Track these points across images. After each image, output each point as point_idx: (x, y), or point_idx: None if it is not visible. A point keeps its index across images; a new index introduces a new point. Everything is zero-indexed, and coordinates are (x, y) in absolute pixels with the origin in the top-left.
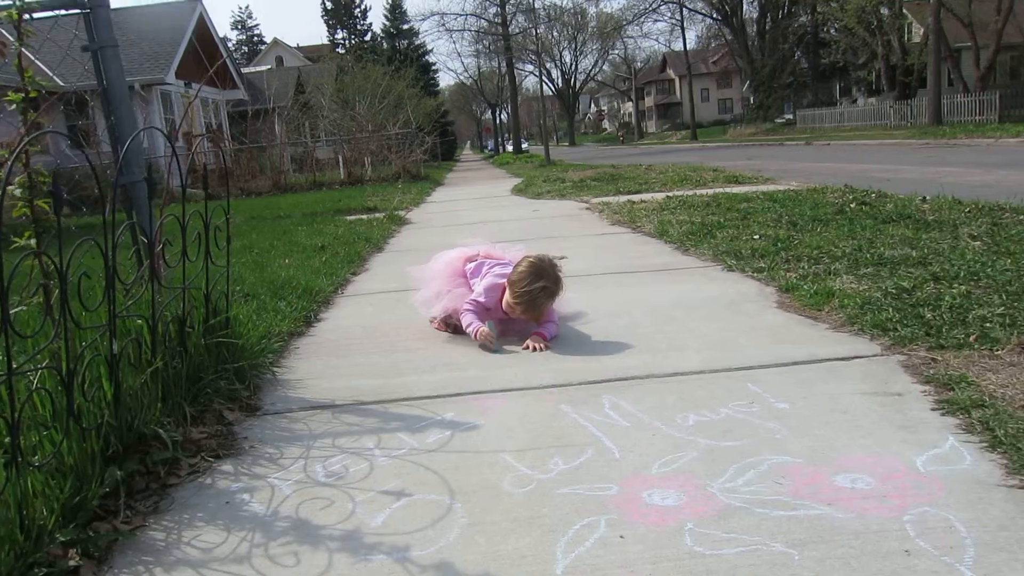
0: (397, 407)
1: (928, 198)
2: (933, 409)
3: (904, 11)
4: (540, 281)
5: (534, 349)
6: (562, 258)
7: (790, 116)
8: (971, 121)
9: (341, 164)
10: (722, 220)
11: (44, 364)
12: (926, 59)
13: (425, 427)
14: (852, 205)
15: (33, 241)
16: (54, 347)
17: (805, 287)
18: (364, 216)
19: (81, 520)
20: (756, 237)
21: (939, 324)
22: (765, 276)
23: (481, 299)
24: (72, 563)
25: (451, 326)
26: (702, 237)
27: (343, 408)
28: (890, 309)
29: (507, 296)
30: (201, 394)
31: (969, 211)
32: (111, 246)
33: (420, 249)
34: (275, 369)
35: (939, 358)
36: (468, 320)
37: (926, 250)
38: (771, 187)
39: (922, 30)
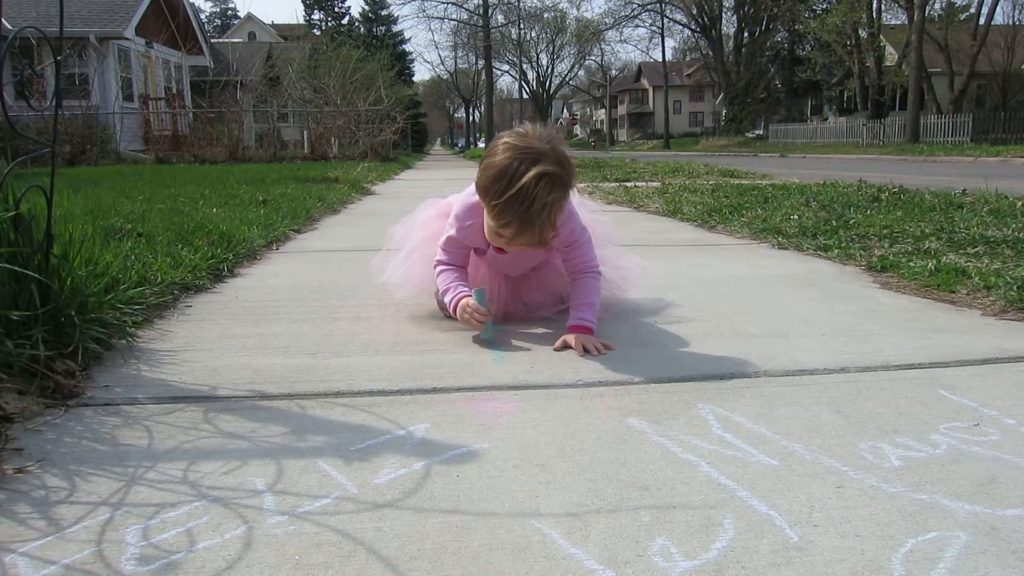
0: (325, 407)
1: (967, 190)
2: None
3: (880, 36)
4: (533, 168)
5: (587, 352)
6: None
7: (760, 131)
8: (945, 142)
9: (305, 140)
10: (740, 202)
11: None
12: (900, 80)
13: (372, 450)
14: (885, 195)
15: None
16: None
17: (912, 265)
18: (323, 185)
19: None
20: (795, 217)
21: None
22: (838, 254)
23: (452, 232)
24: None
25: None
26: (726, 216)
27: (227, 403)
28: None
29: (486, 217)
30: None
31: None
32: None
33: (387, 214)
34: (135, 332)
35: None
36: (443, 283)
37: None
38: (773, 182)
39: (895, 55)
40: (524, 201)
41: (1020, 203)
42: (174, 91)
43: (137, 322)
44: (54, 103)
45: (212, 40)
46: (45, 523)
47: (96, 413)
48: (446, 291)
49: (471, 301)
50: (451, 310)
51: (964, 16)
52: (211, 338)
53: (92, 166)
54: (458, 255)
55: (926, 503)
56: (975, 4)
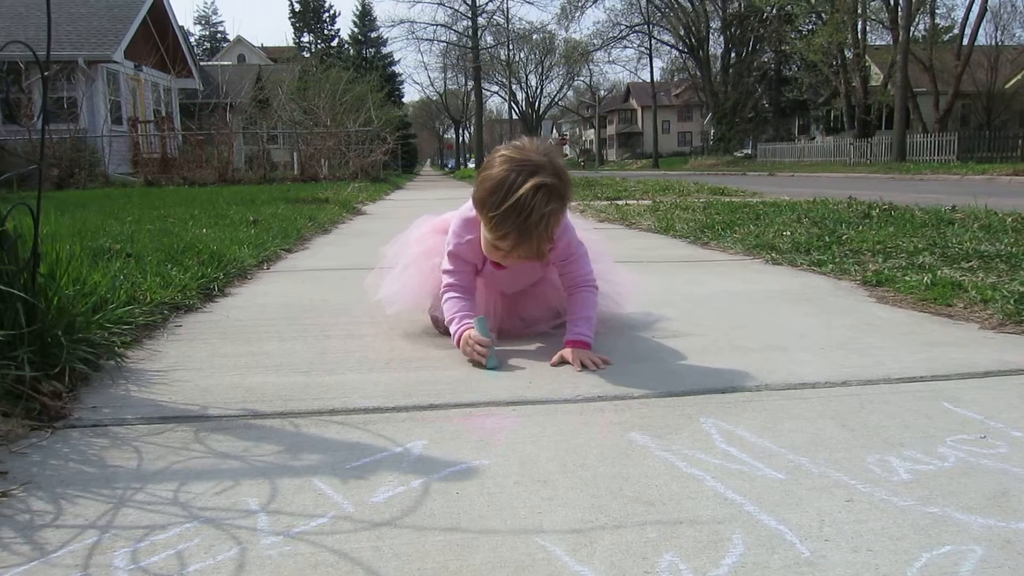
0: (319, 425)
1: (957, 207)
2: None
3: (866, 57)
4: (531, 179)
5: (584, 367)
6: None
7: (748, 150)
8: (931, 160)
9: (295, 161)
10: (732, 219)
11: None
12: (886, 99)
13: (369, 468)
14: (876, 211)
15: None
16: None
17: (907, 279)
18: (314, 206)
19: None
20: (787, 233)
21: None
22: (832, 269)
23: (452, 247)
24: None
25: (442, 324)
26: (719, 232)
27: (219, 423)
28: None
29: (483, 231)
30: None
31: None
32: None
33: (377, 233)
34: (123, 352)
35: None
36: (449, 311)
37: None
38: (764, 199)
39: (881, 75)
40: (522, 212)
41: (1010, 219)
42: (163, 114)
43: (126, 342)
44: (40, 121)
45: (201, 63)
46: (29, 548)
47: (83, 435)
48: (451, 321)
49: (474, 334)
50: (455, 342)
51: (948, 37)
52: (202, 357)
53: (80, 190)
54: (464, 274)
55: (938, 516)
56: (959, 25)
